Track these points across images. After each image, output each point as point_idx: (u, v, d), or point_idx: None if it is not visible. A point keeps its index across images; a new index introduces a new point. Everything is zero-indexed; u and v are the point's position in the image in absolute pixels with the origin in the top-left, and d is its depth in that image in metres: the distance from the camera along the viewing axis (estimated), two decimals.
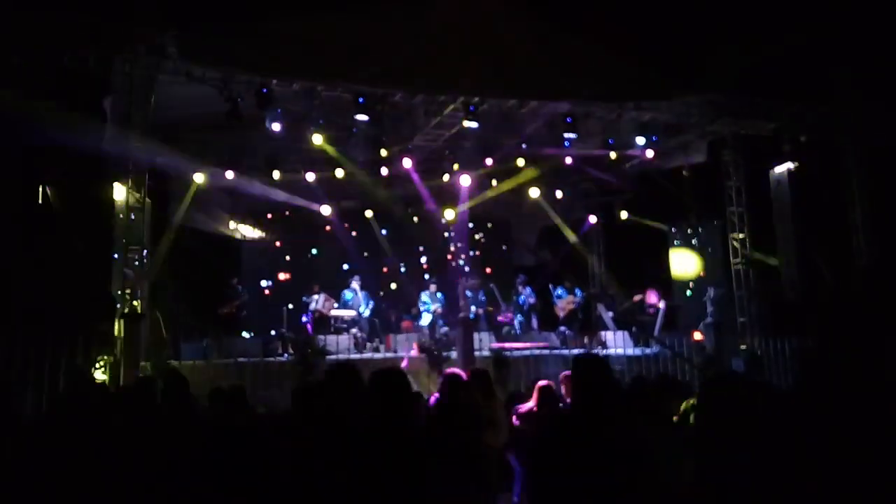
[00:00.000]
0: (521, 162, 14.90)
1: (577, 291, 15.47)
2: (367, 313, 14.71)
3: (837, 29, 13.55)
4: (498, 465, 6.19)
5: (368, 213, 16.98)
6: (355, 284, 14.90)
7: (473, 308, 14.51)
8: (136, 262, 11.09)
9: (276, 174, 14.26)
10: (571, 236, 17.82)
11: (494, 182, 15.78)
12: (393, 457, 2.98)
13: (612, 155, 14.34)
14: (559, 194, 17.14)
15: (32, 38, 9.77)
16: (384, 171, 14.24)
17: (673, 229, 16.61)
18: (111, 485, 3.72)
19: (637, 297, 15.57)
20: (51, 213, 10.34)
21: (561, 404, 6.95)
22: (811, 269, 14.58)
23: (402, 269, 17.21)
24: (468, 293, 14.67)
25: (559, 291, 15.37)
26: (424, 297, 14.96)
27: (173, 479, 3.77)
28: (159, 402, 5.06)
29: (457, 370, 5.77)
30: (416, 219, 17.32)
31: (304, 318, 14.46)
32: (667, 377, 6.41)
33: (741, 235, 14.75)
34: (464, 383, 5.47)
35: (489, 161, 14.49)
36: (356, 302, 14.73)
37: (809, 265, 14.65)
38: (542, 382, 7.16)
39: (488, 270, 17.60)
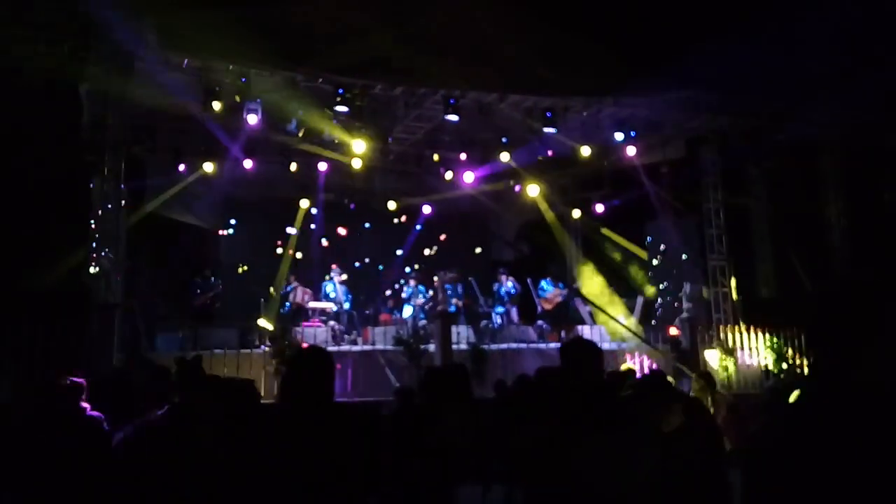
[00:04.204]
0: (504, 156, 14.80)
1: (560, 285, 15.46)
2: (347, 306, 14.61)
3: (818, 28, 13.65)
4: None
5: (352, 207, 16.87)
6: (337, 277, 14.76)
7: (455, 301, 14.46)
8: (112, 253, 10.95)
9: (248, 163, 14.04)
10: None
11: (472, 175, 15.73)
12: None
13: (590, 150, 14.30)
14: (536, 189, 17.11)
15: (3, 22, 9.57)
16: (358, 162, 14.16)
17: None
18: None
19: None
20: (23, 202, 10.15)
21: None
22: (786, 267, 14.71)
23: (382, 262, 17.16)
24: (447, 286, 14.61)
25: (543, 284, 15.31)
26: (406, 290, 14.91)
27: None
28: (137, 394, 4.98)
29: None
30: (395, 212, 17.23)
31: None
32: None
33: (717, 232, 14.84)
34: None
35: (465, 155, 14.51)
36: (338, 294, 14.59)
37: (785, 262, 14.78)
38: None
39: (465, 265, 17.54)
